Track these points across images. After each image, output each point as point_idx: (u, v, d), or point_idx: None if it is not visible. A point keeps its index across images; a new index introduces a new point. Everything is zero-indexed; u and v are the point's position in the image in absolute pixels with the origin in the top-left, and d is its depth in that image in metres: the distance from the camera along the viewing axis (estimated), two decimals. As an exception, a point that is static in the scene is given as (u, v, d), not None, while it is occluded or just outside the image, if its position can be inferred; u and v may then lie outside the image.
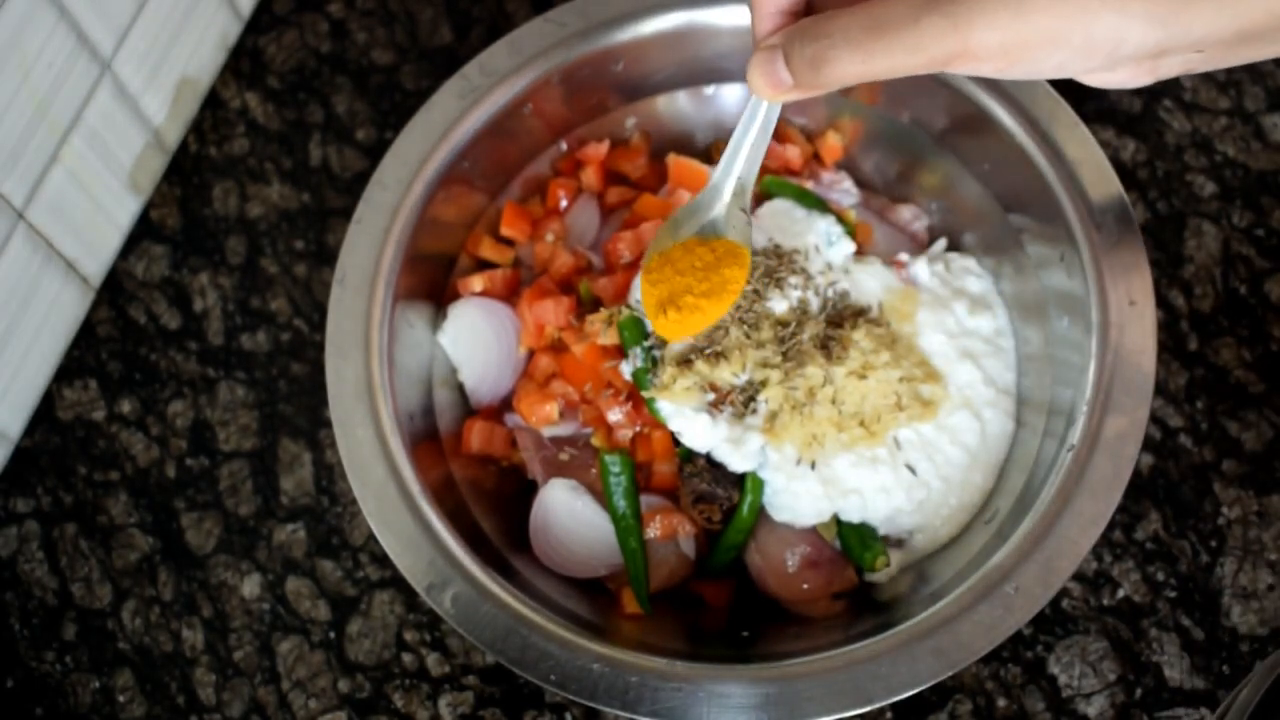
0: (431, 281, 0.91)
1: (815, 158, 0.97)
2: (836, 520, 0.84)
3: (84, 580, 0.92)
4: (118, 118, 0.97)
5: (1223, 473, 0.92)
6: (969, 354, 0.88)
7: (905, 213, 0.97)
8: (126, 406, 0.97)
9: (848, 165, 0.98)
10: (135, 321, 1.00)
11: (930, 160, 0.95)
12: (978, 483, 0.85)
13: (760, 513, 0.84)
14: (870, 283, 0.89)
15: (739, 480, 0.84)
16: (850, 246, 0.90)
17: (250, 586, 0.91)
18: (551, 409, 0.87)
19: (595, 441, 0.86)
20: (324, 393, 0.82)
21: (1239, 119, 1.04)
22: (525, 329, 0.90)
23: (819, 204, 0.92)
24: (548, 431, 0.87)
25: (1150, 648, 0.87)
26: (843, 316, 0.86)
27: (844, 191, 0.96)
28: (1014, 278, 0.91)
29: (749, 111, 0.70)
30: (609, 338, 0.85)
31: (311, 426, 0.96)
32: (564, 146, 0.97)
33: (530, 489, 0.88)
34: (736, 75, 0.96)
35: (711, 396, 0.83)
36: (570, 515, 0.85)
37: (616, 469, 0.83)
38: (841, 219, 0.91)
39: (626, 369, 0.84)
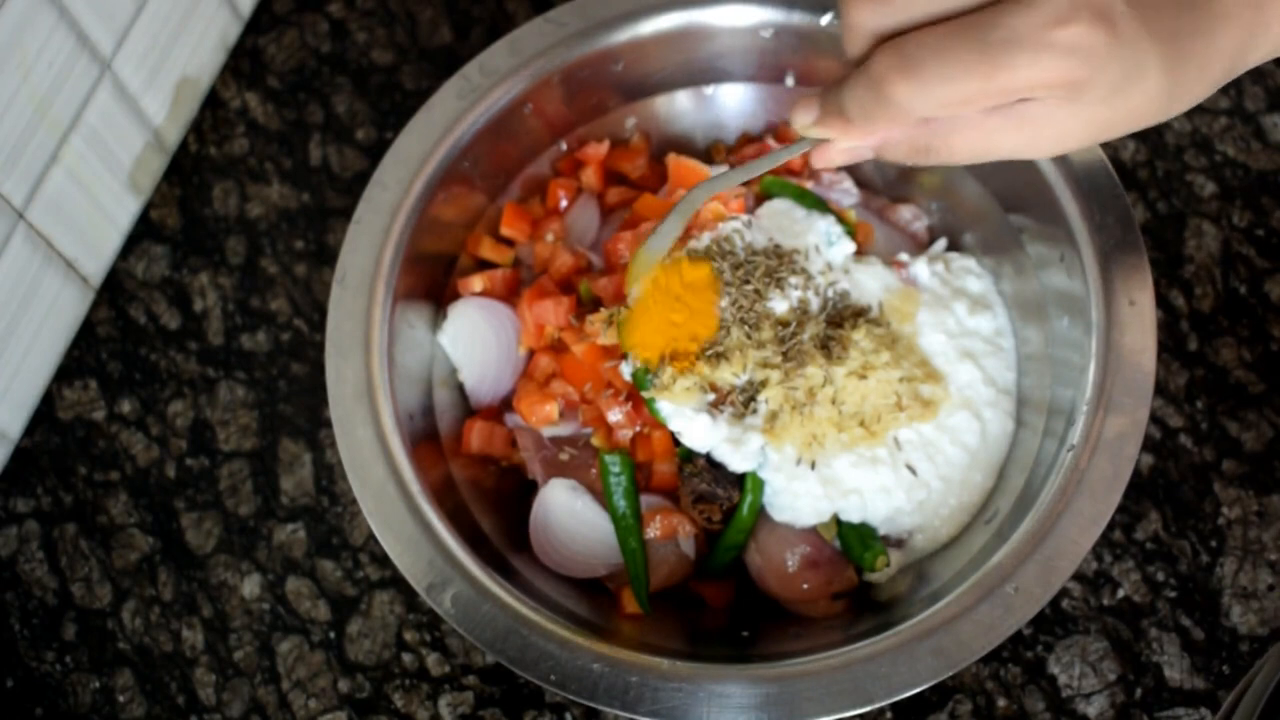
0: (431, 281, 0.91)
1: (815, 158, 0.97)
2: (836, 520, 0.84)
3: (84, 580, 0.92)
4: (118, 118, 0.97)
5: (1223, 473, 0.92)
6: (969, 354, 0.88)
7: (905, 213, 0.97)
8: (126, 406, 0.97)
9: (848, 165, 0.98)
10: (135, 321, 1.00)
11: (930, 160, 0.95)
12: (978, 483, 0.85)
13: (760, 513, 0.84)
14: (870, 283, 0.89)
15: (739, 480, 0.84)
16: (850, 246, 0.90)
17: (250, 586, 0.91)
18: (551, 409, 0.87)
19: (595, 441, 0.86)
20: (324, 393, 0.82)
21: (1239, 119, 1.04)
22: (525, 329, 0.90)
23: (819, 204, 0.92)
24: (548, 431, 0.87)
25: (1150, 648, 0.87)
26: (843, 316, 0.86)
27: (844, 191, 0.96)
28: (1014, 278, 0.91)
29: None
30: (609, 338, 0.85)
31: (311, 426, 0.96)
32: (564, 146, 0.97)
33: (530, 489, 0.88)
34: (736, 75, 0.96)
35: (712, 397, 0.83)
36: (570, 515, 0.85)
37: (616, 469, 0.83)
38: (841, 219, 0.91)
39: (626, 369, 0.84)
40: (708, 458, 0.84)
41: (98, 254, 1.00)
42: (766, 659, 0.75)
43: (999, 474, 0.86)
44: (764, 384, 0.83)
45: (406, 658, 0.89)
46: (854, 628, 0.79)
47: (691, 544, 0.84)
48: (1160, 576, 0.89)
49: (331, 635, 0.90)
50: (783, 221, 0.90)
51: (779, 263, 0.87)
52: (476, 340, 0.90)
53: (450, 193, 0.90)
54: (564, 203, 0.96)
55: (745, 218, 0.90)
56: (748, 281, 0.85)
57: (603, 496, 0.84)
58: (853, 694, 0.72)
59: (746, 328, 0.84)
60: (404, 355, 0.86)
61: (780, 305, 0.85)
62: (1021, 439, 0.86)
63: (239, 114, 1.08)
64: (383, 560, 0.91)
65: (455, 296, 0.92)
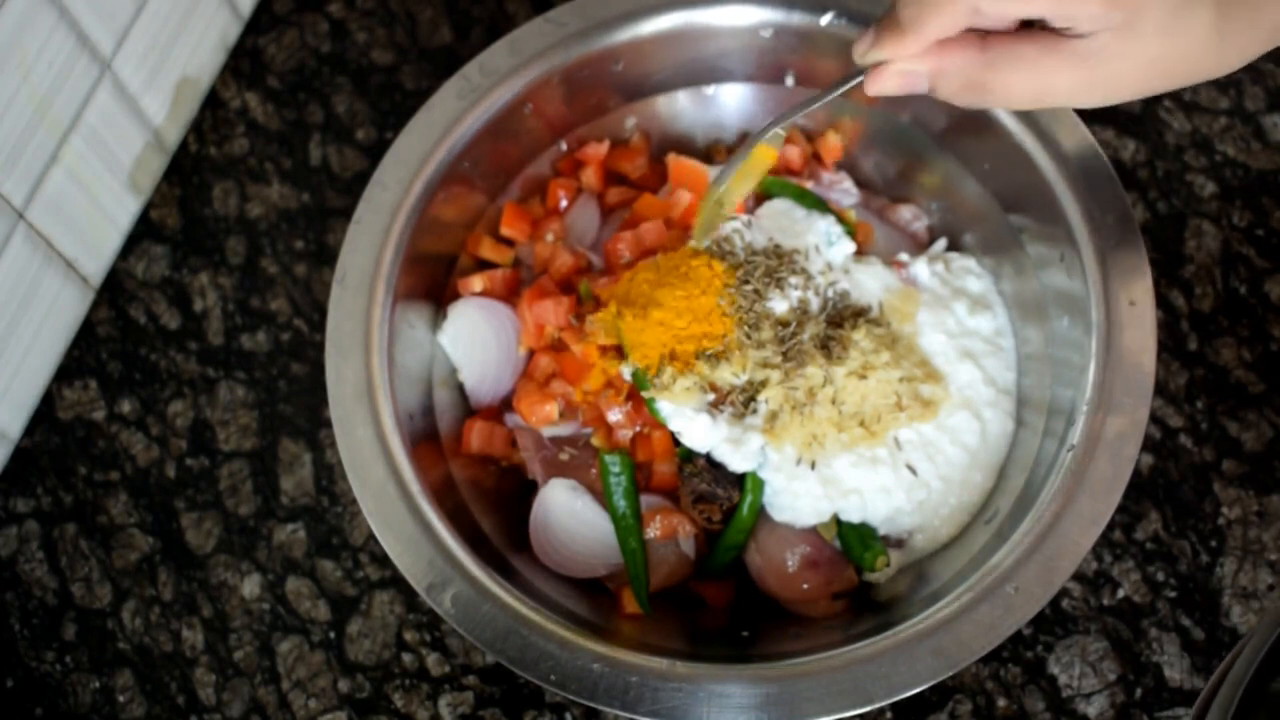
0: (431, 281, 0.91)
1: (815, 158, 0.97)
2: (836, 520, 0.84)
3: (84, 580, 0.92)
4: (118, 118, 0.97)
5: (1223, 473, 0.92)
6: (969, 354, 0.88)
7: (905, 213, 0.97)
8: (126, 406, 0.97)
9: (848, 165, 0.98)
10: (135, 321, 1.00)
11: (930, 160, 0.95)
12: (978, 483, 0.85)
13: (760, 513, 0.84)
14: (870, 283, 0.89)
15: (739, 480, 0.84)
16: (850, 246, 0.90)
17: (250, 586, 0.91)
18: (551, 409, 0.87)
19: (595, 441, 0.86)
20: (324, 393, 0.82)
21: (1239, 119, 1.04)
22: (525, 329, 0.90)
23: (819, 204, 0.92)
24: (548, 431, 0.87)
25: (1150, 648, 0.87)
26: (843, 316, 0.86)
27: (844, 191, 0.96)
28: (1014, 278, 0.91)
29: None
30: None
31: (311, 426, 0.96)
32: (564, 146, 0.97)
33: (530, 489, 0.88)
34: (736, 75, 0.96)
35: (711, 397, 0.83)
36: (570, 515, 0.85)
37: (616, 469, 0.83)
38: (841, 219, 0.91)
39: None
40: (708, 458, 0.84)
41: (98, 254, 1.00)
42: (766, 659, 0.75)
43: (999, 474, 0.86)
44: (764, 384, 0.83)
45: (406, 658, 0.89)
46: (854, 628, 0.79)
47: (691, 544, 0.84)
48: (1160, 576, 0.89)
49: (331, 635, 0.90)
50: (783, 221, 0.90)
51: (779, 263, 0.87)
52: (476, 340, 0.90)
53: (450, 193, 0.90)
54: (564, 203, 0.96)
55: (745, 218, 0.90)
56: (748, 281, 0.85)
57: (603, 496, 0.84)
58: (853, 694, 0.72)
59: (746, 327, 0.84)
60: (404, 355, 0.86)
61: (780, 305, 0.85)
62: (1021, 439, 0.86)
63: (239, 114, 1.08)
64: (383, 560, 0.91)
65: (455, 296, 0.92)
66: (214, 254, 1.03)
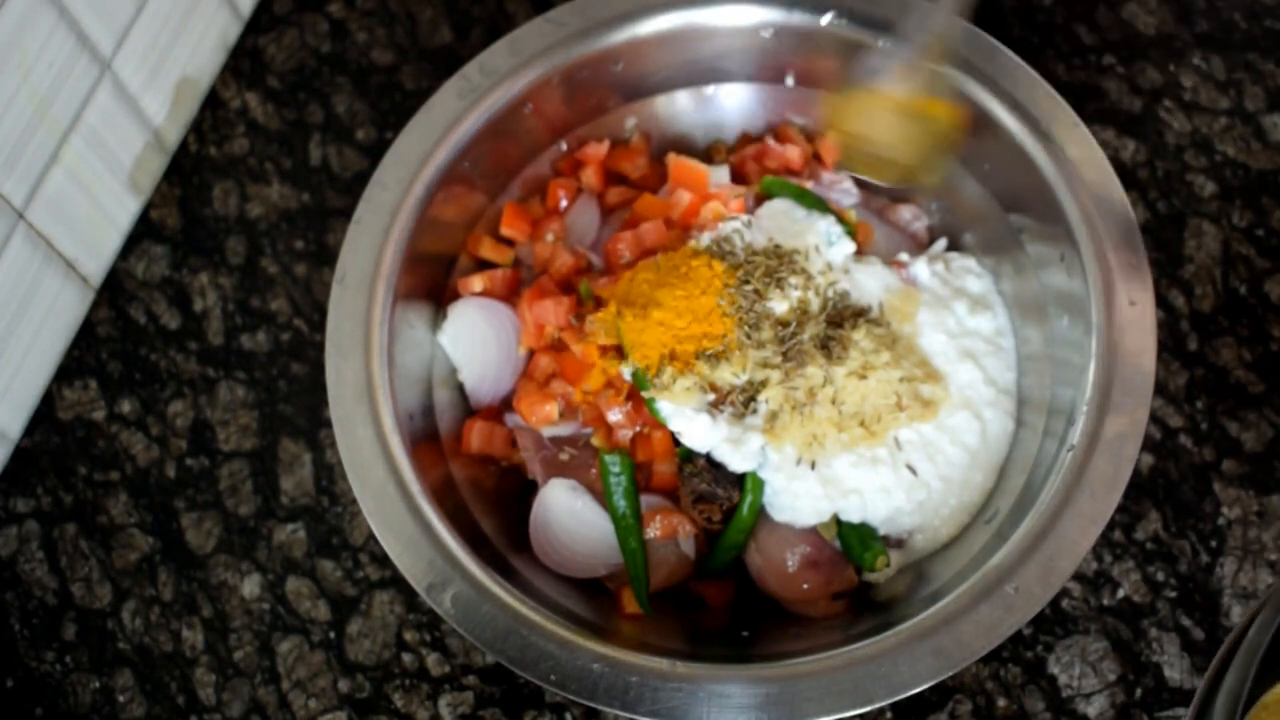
0: (431, 281, 0.91)
1: (815, 158, 0.97)
2: (836, 520, 0.84)
3: (84, 580, 0.92)
4: (118, 118, 0.97)
5: (1223, 473, 0.92)
6: (969, 354, 0.88)
7: (905, 213, 0.97)
8: (126, 406, 0.97)
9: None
10: (135, 321, 1.00)
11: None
12: (978, 483, 0.85)
13: (760, 513, 0.84)
14: (870, 283, 0.89)
15: (739, 480, 0.84)
16: (850, 246, 0.90)
17: (250, 586, 0.91)
18: (551, 409, 0.87)
19: (595, 441, 0.86)
20: (324, 393, 0.82)
21: (1239, 119, 1.04)
22: (525, 329, 0.90)
23: (819, 204, 0.92)
24: (548, 431, 0.87)
25: (1150, 648, 0.87)
26: (843, 316, 0.86)
27: (844, 191, 0.96)
28: (1014, 278, 0.91)
29: None
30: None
31: (311, 426, 0.96)
32: (564, 146, 0.97)
33: (530, 489, 0.88)
34: (736, 75, 0.96)
35: (711, 397, 0.83)
36: (570, 515, 0.85)
37: (616, 469, 0.83)
38: (841, 219, 0.91)
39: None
40: (708, 458, 0.84)
41: (98, 254, 1.00)
42: (766, 659, 0.75)
43: (999, 474, 0.86)
44: (764, 384, 0.83)
45: (406, 658, 0.89)
46: (854, 628, 0.79)
47: (691, 544, 0.84)
48: (1160, 576, 0.89)
49: (331, 635, 0.90)
50: (783, 221, 0.90)
51: (779, 263, 0.87)
52: (476, 340, 0.90)
53: (450, 193, 0.90)
54: (564, 203, 0.96)
55: (745, 218, 0.90)
56: (748, 281, 0.85)
57: (603, 496, 0.84)
58: (853, 694, 0.72)
59: (746, 327, 0.84)
60: (404, 355, 0.86)
61: (780, 305, 0.85)
62: (1021, 439, 0.86)
63: (239, 114, 1.08)
64: (383, 560, 0.91)
65: (455, 296, 0.92)
66: (214, 254, 1.03)
